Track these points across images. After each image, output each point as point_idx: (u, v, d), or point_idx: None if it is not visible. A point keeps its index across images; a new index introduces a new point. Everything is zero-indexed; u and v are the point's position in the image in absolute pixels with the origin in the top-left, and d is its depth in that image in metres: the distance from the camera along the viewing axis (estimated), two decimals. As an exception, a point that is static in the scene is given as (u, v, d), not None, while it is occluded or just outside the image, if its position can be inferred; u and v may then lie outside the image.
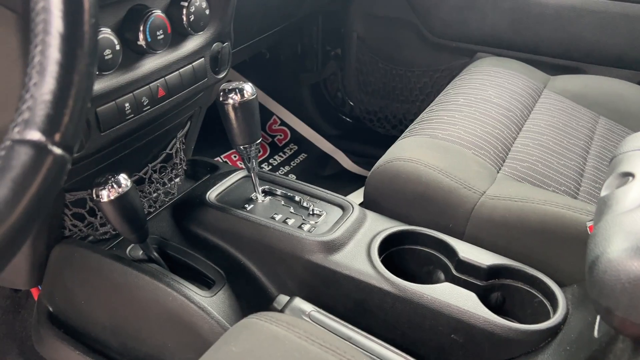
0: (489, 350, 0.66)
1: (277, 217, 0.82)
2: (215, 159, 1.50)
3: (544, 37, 1.28)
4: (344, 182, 1.48)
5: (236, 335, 0.57)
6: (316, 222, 0.80)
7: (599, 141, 0.98)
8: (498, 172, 0.87)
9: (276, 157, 1.63)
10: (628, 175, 0.52)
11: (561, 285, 0.70)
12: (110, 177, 0.70)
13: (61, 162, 0.35)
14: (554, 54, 1.28)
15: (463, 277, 0.74)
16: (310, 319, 0.66)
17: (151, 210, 0.92)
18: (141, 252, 0.82)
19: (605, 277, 0.43)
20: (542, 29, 1.27)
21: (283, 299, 0.72)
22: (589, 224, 0.70)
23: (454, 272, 0.74)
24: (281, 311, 0.69)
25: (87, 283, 0.80)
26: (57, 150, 0.34)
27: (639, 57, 1.19)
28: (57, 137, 0.34)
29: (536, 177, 0.86)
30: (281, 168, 1.58)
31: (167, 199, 0.95)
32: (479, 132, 0.92)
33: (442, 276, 0.76)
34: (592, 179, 0.89)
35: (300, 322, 0.57)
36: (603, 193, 0.54)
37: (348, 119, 1.64)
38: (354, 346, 0.60)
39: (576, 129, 0.99)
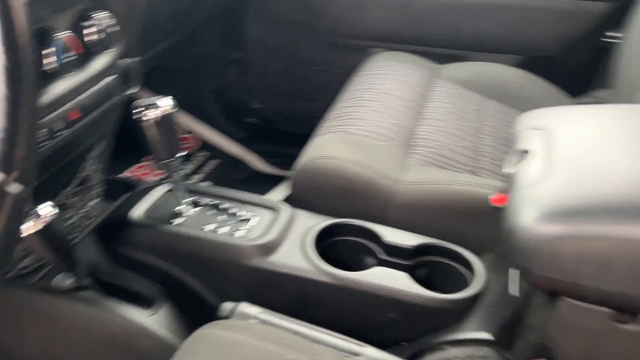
0: (424, 322, 0.73)
1: (208, 228, 0.83)
2: (126, 174, 1.46)
3: (430, 29, 1.38)
4: (259, 183, 1.50)
5: (193, 348, 0.58)
6: (248, 227, 0.83)
7: (491, 122, 1.09)
8: (408, 160, 0.94)
9: (188, 165, 1.61)
10: (524, 151, 0.60)
11: (479, 254, 0.79)
12: (32, 207, 0.68)
13: (22, 197, 0.35)
14: (441, 44, 1.39)
15: (391, 259, 0.80)
16: (260, 321, 0.68)
17: (75, 236, 0.89)
18: (71, 280, 0.80)
19: (521, 243, 0.51)
20: (427, 22, 1.38)
21: (227, 306, 0.74)
22: (491, 197, 0.79)
23: (382, 256, 0.80)
24: (228, 318, 0.71)
25: (16, 323, 0.77)
26: (16, 187, 0.35)
27: (516, 43, 1.33)
28: (15, 174, 0.34)
29: (441, 160, 0.95)
30: (194, 176, 1.57)
31: (88, 223, 0.92)
32: (386, 124, 0.99)
33: (372, 261, 0.82)
34: (488, 157, 0.99)
35: (253, 325, 0.59)
36: (505, 169, 0.62)
37: (256, 121, 1.66)
38: (307, 339, 0.63)
39: (470, 113, 1.09)
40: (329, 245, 0.83)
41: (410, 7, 1.38)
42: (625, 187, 0.50)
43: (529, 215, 0.51)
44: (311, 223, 0.84)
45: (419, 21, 1.39)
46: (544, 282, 0.51)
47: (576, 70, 1.30)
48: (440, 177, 0.86)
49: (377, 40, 1.44)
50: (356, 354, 0.67)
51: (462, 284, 0.78)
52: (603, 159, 0.55)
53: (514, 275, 0.64)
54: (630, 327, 0.48)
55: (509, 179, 0.59)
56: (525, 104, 1.15)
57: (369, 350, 0.68)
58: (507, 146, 1.01)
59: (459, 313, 0.72)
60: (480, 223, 0.81)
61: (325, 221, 0.83)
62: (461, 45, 1.38)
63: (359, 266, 0.83)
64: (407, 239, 0.81)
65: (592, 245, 0.49)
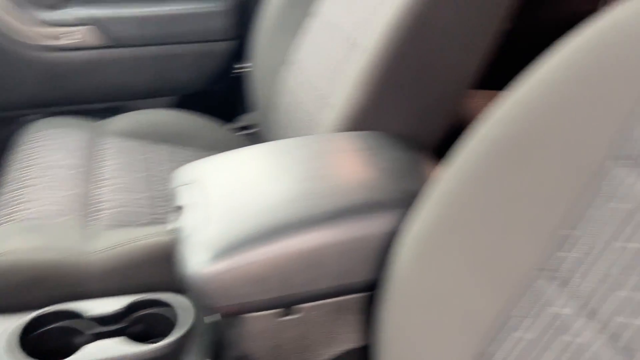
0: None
1: None
2: None
3: (82, 87, 1.40)
4: None
5: None
6: None
7: (165, 165, 1.18)
8: (92, 227, 0.97)
9: None
10: (180, 207, 0.71)
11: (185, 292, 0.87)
12: None
13: None
14: (97, 99, 1.42)
15: (104, 329, 0.82)
16: None
17: None
18: None
19: (195, 285, 0.61)
20: (78, 80, 1.39)
21: None
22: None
23: (93, 330, 0.82)
24: None
25: None
26: None
27: (168, 86, 1.45)
28: None
29: (125, 219, 0.99)
30: None
31: None
32: (60, 198, 0.99)
33: (85, 339, 0.83)
34: (166, 201, 1.08)
35: None
36: (169, 227, 0.72)
37: None
38: None
39: (140, 163, 1.16)
40: (36, 341, 0.81)
41: (56, 68, 1.37)
42: (265, 215, 0.65)
43: (197, 260, 0.62)
44: (5, 326, 0.80)
45: (69, 81, 1.39)
46: (223, 310, 0.62)
47: (224, 100, 1.49)
48: (130, 237, 0.91)
49: (31, 107, 1.39)
50: None
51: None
52: (251, 196, 0.69)
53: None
54: (289, 317, 0.63)
55: (174, 234, 0.69)
56: (189, 140, 1.28)
57: None
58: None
59: (177, 353, 0.80)
60: (171, 266, 0.90)
61: (19, 320, 0.80)
62: (118, 97, 1.44)
63: (73, 349, 0.83)
64: (112, 304, 0.84)
65: (251, 268, 0.62)
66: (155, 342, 0.80)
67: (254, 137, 1.38)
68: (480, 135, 0.52)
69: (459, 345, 0.49)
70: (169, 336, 0.80)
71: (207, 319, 0.72)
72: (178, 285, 0.90)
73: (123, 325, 0.83)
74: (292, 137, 0.91)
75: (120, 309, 0.83)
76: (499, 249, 0.47)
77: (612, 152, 0.41)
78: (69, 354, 0.77)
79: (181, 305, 0.86)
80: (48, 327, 0.82)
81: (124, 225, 0.98)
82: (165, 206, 1.06)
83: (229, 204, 0.68)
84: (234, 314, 0.63)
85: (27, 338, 0.80)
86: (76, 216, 0.97)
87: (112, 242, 0.90)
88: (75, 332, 0.83)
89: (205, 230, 0.65)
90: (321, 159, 0.77)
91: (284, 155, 0.78)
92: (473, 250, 0.49)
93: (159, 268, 0.90)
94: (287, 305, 0.63)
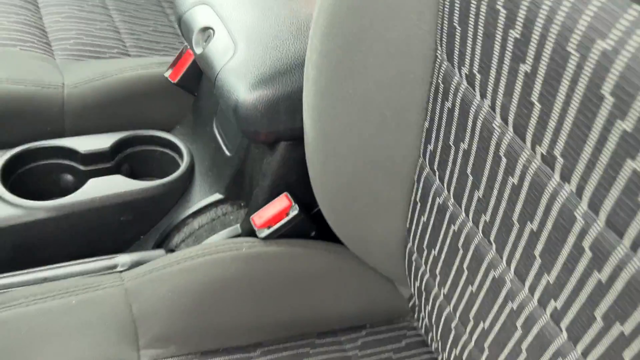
0: (156, 210, 0.77)
1: None
2: None
3: None
4: None
5: None
6: None
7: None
8: (57, 60, 0.86)
9: None
10: (207, 29, 0.65)
11: (169, 130, 0.83)
12: None
13: None
14: None
15: (94, 167, 0.77)
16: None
17: None
18: None
19: (245, 112, 0.59)
20: None
21: None
22: (167, 73, 0.82)
23: (84, 167, 0.77)
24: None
25: None
26: None
27: None
28: None
29: (90, 50, 0.90)
30: None
31: None
32: (11, 25, 0.86)
33: (76, 178, 0.78)
34: (129, 32, 0.98)
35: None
36: (198, 50, 0.66)
37: None
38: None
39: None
40: (20, 179, 0.74)
41: None
42: (289, 47, 0.62)
43: (242, 88, 0.59)
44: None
45: None
46: (269, 137, 0.61)
47: None
48: (104, 70, 0.82)
49: None
50: (113, 267, 0.68)
51: (168, 162, 0.82)
52: (266, 23, 0.65)
53: (227, 139, 0.73)
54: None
55: (204, 59, 0.64)
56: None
57: (122, 257, 0.69)
58: (136, 17, 1.02)
59: (182, 189, 0.78)
60: (161, 101, 0.84)
61: (6, 154, 0.73)
62: None
63: (64, 187, 0.78)
64: (100, 141, 0.78)
65: (289, 95, 0.60)
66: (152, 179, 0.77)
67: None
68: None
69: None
70: (175, 173, 0.77)
71: (230, 151, 0.70)
72: (165, 122, 0.86)
73: (113, 164, 0.79)
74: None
75: (111, 145, 0.78)
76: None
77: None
78: (56, 194, 0.72)
79: (174, 140, 0.82)
80: (33, 165, 0.76)
81: (91, 57, 0.88)
82: (127, 38, 0.96)
83: (252, 32, 0.64)
84: (276, 141, 0.62)
85: (12, 176, 0.74)
86: (37, 46, 0.85)
87: (85, 76, 0.81)
88: (67, 169, 0.77)
89: (239, 58, 0.61)
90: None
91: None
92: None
93: (139, 103, 0.84)
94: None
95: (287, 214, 0.64)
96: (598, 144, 0.32)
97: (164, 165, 0.83)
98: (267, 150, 0.65)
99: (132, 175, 0.81)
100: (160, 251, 0.72)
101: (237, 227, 0.71)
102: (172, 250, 0.75)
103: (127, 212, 0.75)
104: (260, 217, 0.64)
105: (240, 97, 0.58)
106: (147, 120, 0.84)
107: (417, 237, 0.56)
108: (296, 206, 0.65)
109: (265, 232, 0.63)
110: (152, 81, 0.83)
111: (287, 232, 0.65)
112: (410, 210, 0.56)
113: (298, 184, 0.68)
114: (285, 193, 0.66)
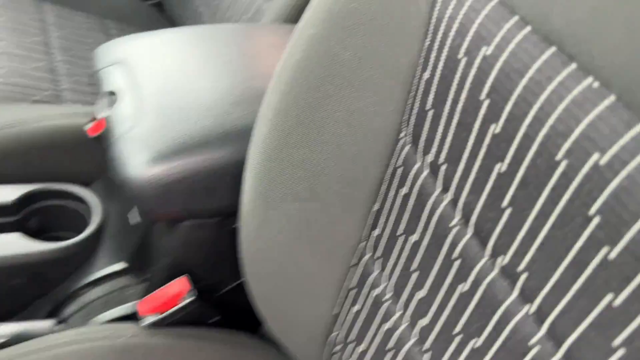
0: (53, 274, 0.71)
1: None
2: None
3: None
4: None
5: None
6: None
7: (55, 31, 1.00)
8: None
9: None
10: (112, 94, 0.60)
11: (88, 185, 0.78)
12: None
13: None
14: None
15: (-3, 221, 0.72)
16: None
17: None
18: None
19: (137, 188, 0.54)
20: None
21: None
22: (87, 127, 0.77)
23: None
24: None
25: None
26: None
27: None
28: None
29: (17, 91, 0.85)
30: None
31: None
32: None
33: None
34: (66, 74, 0.94)
35: None
36: (101, 115, 0.61)
37: None
38: None
39: (32, 24, 0.98)
40: None
41: None
42: (204, 120, 0.58)
43: (137, 162, 0.54)
44: None
45: None
46: (164, 216, 0.56)
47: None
48: (21, 117, 0.77)
49: None
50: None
51: (81, 219, 0.77)
52: (185, 90, 0.61)
53: (133, 210, 0.68)
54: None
55: (108, 123, 0.59)
56: (83, 3, 1.09)
57: (3, 328, 0.63)
58: (82, 58, 0.98)
59: (86, 253, 0.72)
60: (81, 154, 0.79)
61: None
62: None
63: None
64: (6, 193, 0.73)
65: (194, 174, 0.55)
66: (56, 239, 0.72)
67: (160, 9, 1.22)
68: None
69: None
70: (79, 236, 0.72)
71: (132, 220, 0.65)
72: (85, 176, 0.80)
73: (18, 218, 0.73)
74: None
75: (17, 197, 0.73)
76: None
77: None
78: None
79: (87, 198, 0.77)
80: None
81: (15, 99, 0.84)
82: (63, 80, 0.92)
83: (164, 98, 0.60)
84: (174, 221, 0.57)
85: None
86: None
87: (5, 119, 0.76)
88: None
89: (142, 128, 0.56)
90: (249, 50, 0.69)
91: (211, 42, 0.68)
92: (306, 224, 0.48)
93: (57, 155, 0.79)
94: (223, 215, 0.58)
95: (181, 300, 0.59)
96: (576, 270, 0.28)
97: (76, 221, 0.77)
98: (167, 228, 0.60)
99: (41, 230, 0.75)
100: (48, 322, 0.65)
101: (132, 305, 0.65)
102: (64, 321, 0.69)
103: (21, 276, 0.69)
104: (147, 303, 0.58)
105: (132, 171, 0.53)
106: (65, 173, 0.79)
107: (346, 327, 0.50)
108: (194, 292, 0.59)
109: (150, 319, 0.57)
110: (75, 132, 0.78)
111: (181, 319, 0.60)
112: (343, 296, 0.50)
113: (203, 265, 0.62)
114: (186, 275, 0.61)
